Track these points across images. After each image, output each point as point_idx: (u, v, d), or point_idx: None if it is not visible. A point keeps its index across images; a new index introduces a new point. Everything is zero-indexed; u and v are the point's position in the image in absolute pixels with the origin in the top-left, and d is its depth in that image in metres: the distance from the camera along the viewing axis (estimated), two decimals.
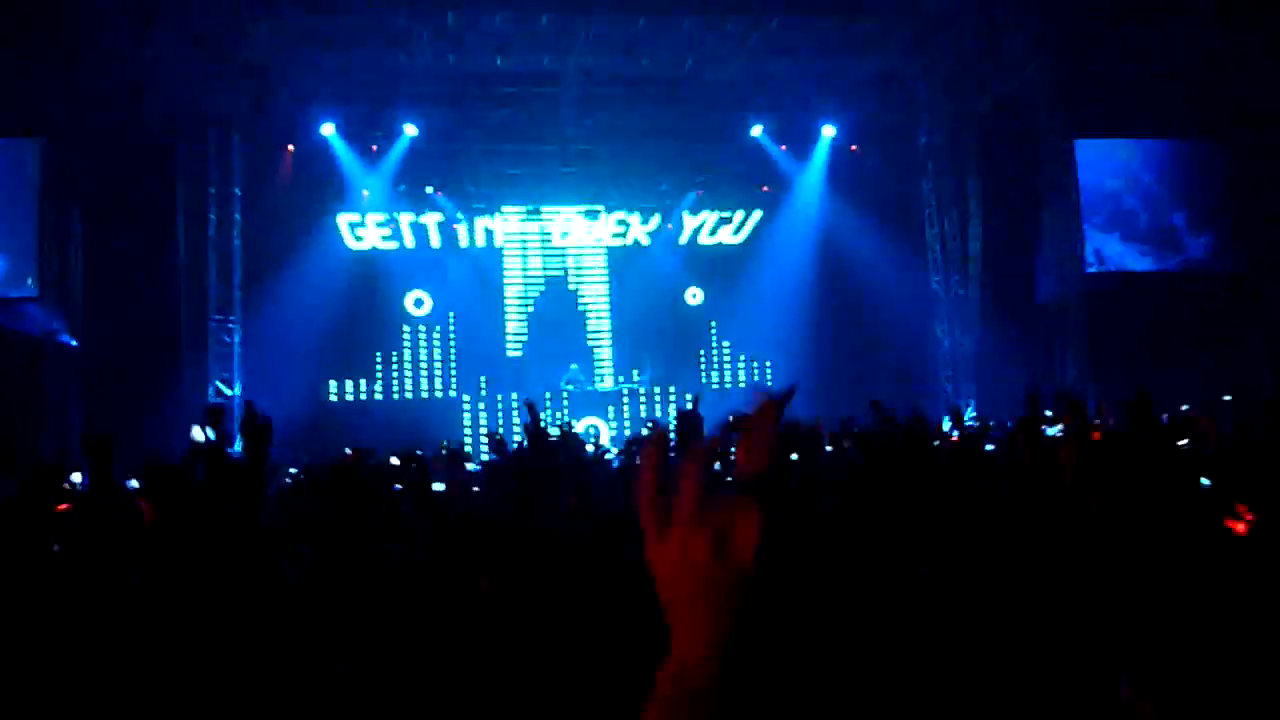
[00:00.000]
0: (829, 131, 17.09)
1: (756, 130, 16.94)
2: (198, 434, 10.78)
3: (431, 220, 17.30)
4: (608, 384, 17.76)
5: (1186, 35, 14.30)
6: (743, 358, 18.44)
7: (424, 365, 17.50)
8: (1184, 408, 9.79)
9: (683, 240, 18.31)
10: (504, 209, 17.68)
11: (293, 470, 9.27)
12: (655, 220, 18.11)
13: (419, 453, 8.47)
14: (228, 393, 15.25)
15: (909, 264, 17.36)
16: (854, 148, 17.38)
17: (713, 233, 18.36)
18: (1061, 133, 15.80)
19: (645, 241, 18.20)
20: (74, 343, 14.24)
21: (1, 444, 12.48)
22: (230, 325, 15.48)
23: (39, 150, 14.09)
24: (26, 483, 4.96)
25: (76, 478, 8.28)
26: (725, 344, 18.41)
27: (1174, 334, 14.84)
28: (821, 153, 17.35)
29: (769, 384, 17.99)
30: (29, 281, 14.06)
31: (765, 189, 18.02)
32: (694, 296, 18.42)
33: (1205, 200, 16.18)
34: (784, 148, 17.34)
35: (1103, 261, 15.84)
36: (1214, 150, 16.24)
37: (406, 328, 17.44)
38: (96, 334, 14.30)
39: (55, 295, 14.15)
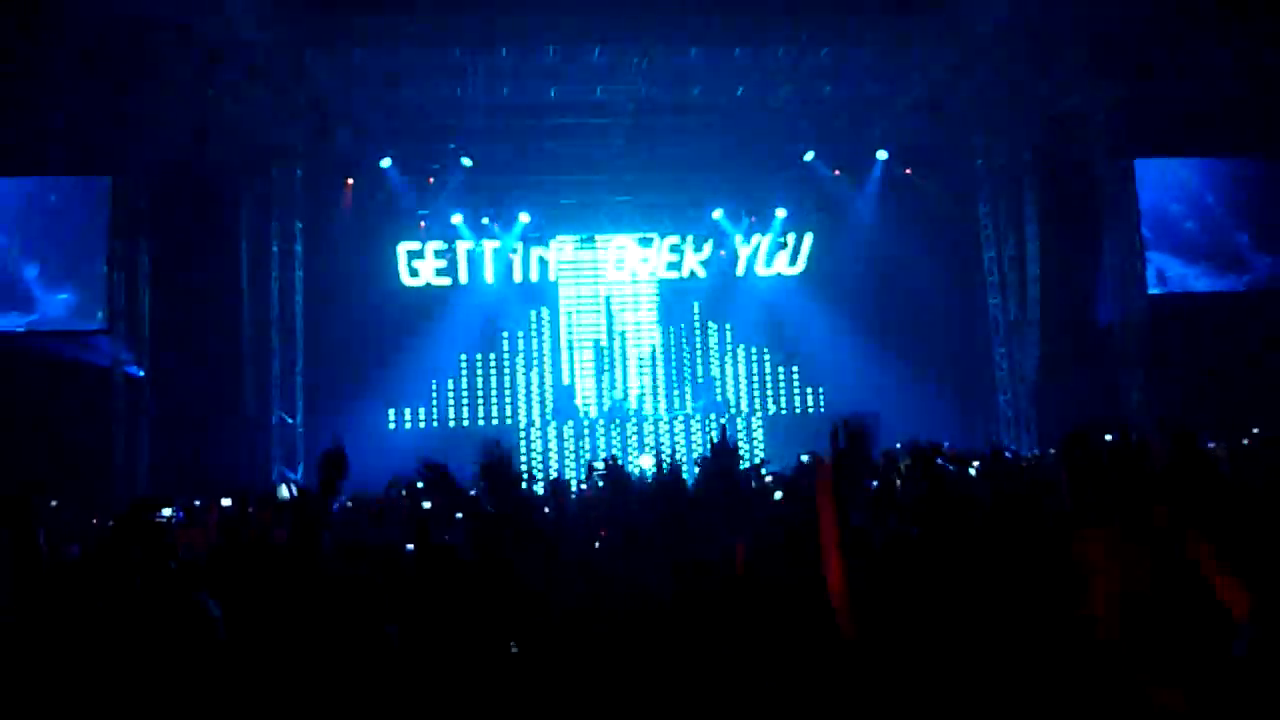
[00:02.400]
0: (882, 155, 17.02)
1: (809, 156, 16.93)
2: (284, 491, 11.04)
3: (488, 248, 17.50)
4: (660, 411, 17.79)
5: (1246, 52, 14.06)
6: (798, 383, 18.31)
7: (480, 394, 17.66)
8: (1255, 430, 9.59)
9: (739, 271, 18.27)
10: (558, 238, 17.84)
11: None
12: (708, 247, 18.12)
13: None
14: (289, 420, 15.55)
15: (966, 287, 17.23)
16: (908, 171, 17.28)
17: (769, 263, 18.28)
18: (1120, 153, 15.61)
19: (701, 273, 18.22)
20: (141, 373, 14.62)
21: (73, 472, 12.82)
22: (293, 355, 15.80)
23: (109, 187, 14.54)
24: (125, 516, 5.09)
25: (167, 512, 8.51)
26: (781, 370, 18.30)
27: (1239, 355, 14.51)
28: (875, 177, 17.27)
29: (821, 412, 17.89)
30: (98, 315, 14.48)
31: (818, 213, 17.92)
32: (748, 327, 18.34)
33: (1269, 219, 15.86)
34: (837, 173, 17.29)
35: (1165, 282, 15.58)
36: (1277, 169, 15.93)
37: (463, 356, 17.62)
38: (163, 364, 14.67)
39: (124, 327, 14.56)
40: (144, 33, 13.05)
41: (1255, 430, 9.53)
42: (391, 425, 17.15)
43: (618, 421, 17.03)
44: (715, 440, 4.50)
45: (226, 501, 8.98)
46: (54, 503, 9.86)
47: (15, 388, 13.46)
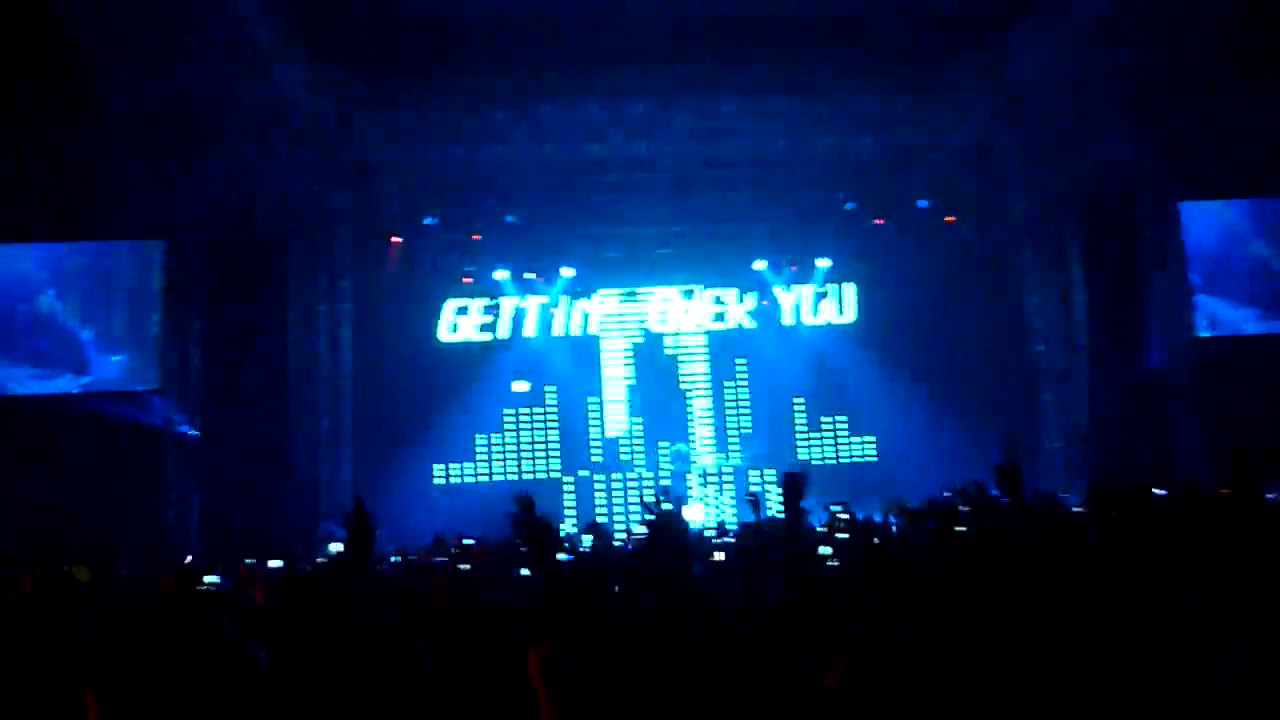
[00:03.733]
0: (923, 204, 17.01)
1: (849, 206, 16.96)
2: (335, 547, 11.14)
3: (534, 303, 17.65)
4: (708, 461, 17.73)
5: None
6: (845, 433, 18.19)
7: (525, 448, 17.71)
8: None
9: (786, 321, 18.24)
10: (600, 291, 17.95)
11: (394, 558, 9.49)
12: (751, 299, 18.15)
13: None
14: (338, 477, 15.69)
15: (1012, 334, 17.07)
16: (950, 219, 17.24)
17: (814, 312, 18.26)
18: (1164, 196, 15.48)
19: (749, 324, 18.21)
20: (194, 433, 14.82)
21: (126, 532, 12.99)
22: (340, 412, 15.98)
23: (161, 250, 14.86)
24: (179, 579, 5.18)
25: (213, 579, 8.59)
26: (824, 420, 18.19)
27: None
28: (917, 225, 17.24)
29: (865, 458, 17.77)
30: (152, 376, 14.73)
31: (860, 262, 17.91)
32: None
33: None
34: (879, 221, 17.29)
35: (1215, 326, 15.35)
36: None
37: (508, 411, 17.71)
38: (215, 424, 14.87)
39: (176, 388, 14.79)
40: (194, 101, 13.42)
41: None
42: (439, 480, 17.23)
43: (671, 470, 17.03)
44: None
45: (275, 563, 9.05)
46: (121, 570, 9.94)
47: (70, 449, 13.69)
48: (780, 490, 4.42)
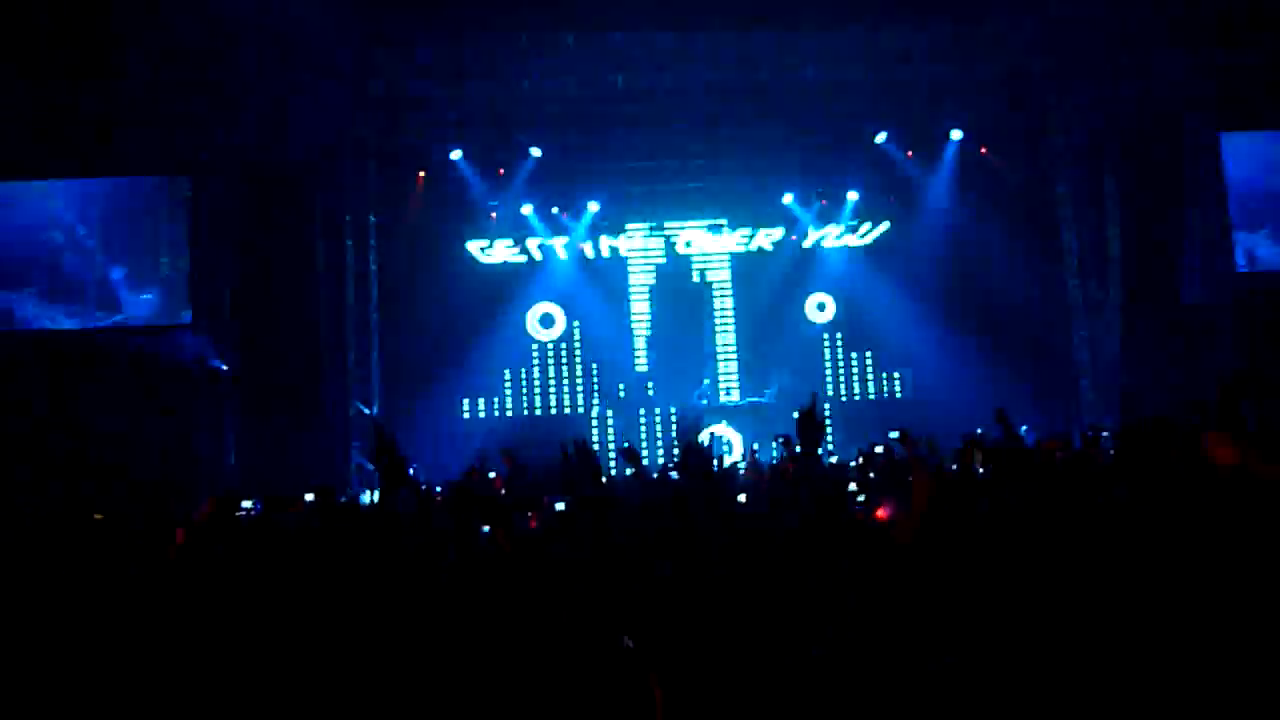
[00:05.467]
0: (956, 135, 16.69)
1: (881, 137, 16.67)
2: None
3: (558, 242, 17.56)
4: (734, 397, 17.70)
5: None
6: (872, 368, 18.09)
7: (553, 381, 17.75)
8: None
9: (807, 244, 18.04)
10: (627, 227, 17.81)
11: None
12: (780, 233, 17.93)
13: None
14: (366, 411, 15.82)
15: (1045, 268, 16.81)
16: (983, 150, 16.91)
17: (839, 238, 18.03)
18: (1206, 126, 15.09)
19: (768, 247, 18.01)
20: (225, 368, 14.97)
21: (159, 467, 13.21)
22: (368, 347, 16.08)
23: (188, 186, 14.87)
24: (213, 510, 5.27)
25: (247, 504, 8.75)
26: (854, 356, 18.09)
27: None
28: (950, 158, 16.94)
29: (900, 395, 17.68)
30: (183, 313, 14.84)
31: (892, 199, 17.61)
32: (820, 308, 18.12)
33: None
34: (910, 154, 17.00)
35: (1254, 263, 15.03)
36: None
37: (535, 345, 17.73)
38: (245, 359, 15.01)
39: (207, 323, 14.91)
40: (217, 34, 13.34)
41: None
42: (466, 414, 17.33)
43: (706, 404, 17.01)
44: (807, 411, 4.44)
45: (309, 497, 9.17)
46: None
47: (102, 385, 13.87)
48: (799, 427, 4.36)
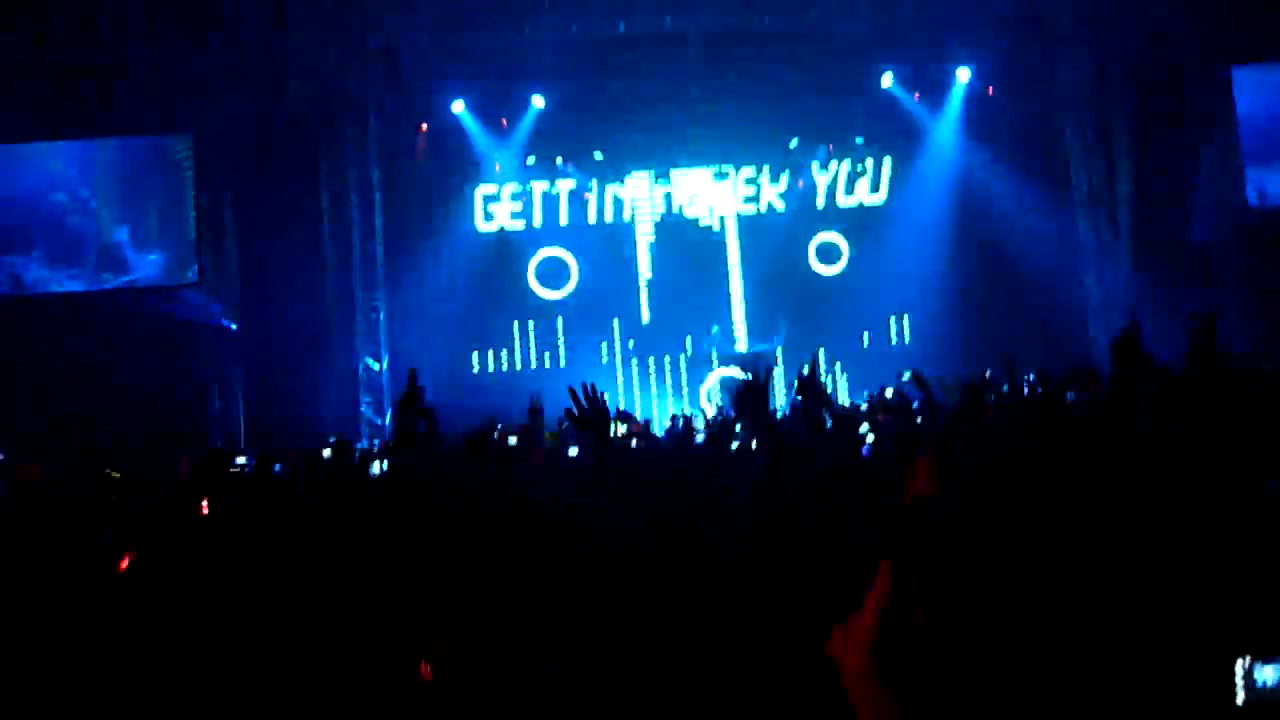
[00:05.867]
0: (963, 75, 16.50)
1: (887, 80, 16.48)
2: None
3: (564, 188, 17.46)
4: (741, 348, 17.67)
5: None
6: (883, 313, 18.02)
7: (561, 336, 17.72)
8: None
9: (819, 203, 17.89)
10: (632, 174, 17.67)
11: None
12: (785, 179, 17.80)
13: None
14: (375, 367, 15.84)
15: (1054, 209, 16.66)
16: (990, 90, 16.72)
17: (849, 190, 17.86)
18: (1216, 60, 14.89)
19: (779, 206, 17.91)
20: (233, 326, 14.98)
21: (170, 425, 13.27)
22: (375, 302, 16.05)
23: (189, 144, 14.79)
24: (199, 465, 5.30)
25: (241, 460, 8.76)
26: (864, 302, 18.02)
27: None
28: (956, 98, 16.76)
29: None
30: (189, 272, 14.82)
31: (898, 138, 17.43)
32: (827, 255, 18.00)
33: None
34: (917, 96, 16.82)
35: (1264, 198, 14.91)
36: None
37: (543, 297, 17.69)
38: (253, 317, 15.02)
39: (213, 282, 14.90)
40: None
41: None
42: (475, 369, 17.34)
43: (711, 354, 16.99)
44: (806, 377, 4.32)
45: (326, 453, 9.19)
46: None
47: (112, 346, 13.90)
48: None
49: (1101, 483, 3.47)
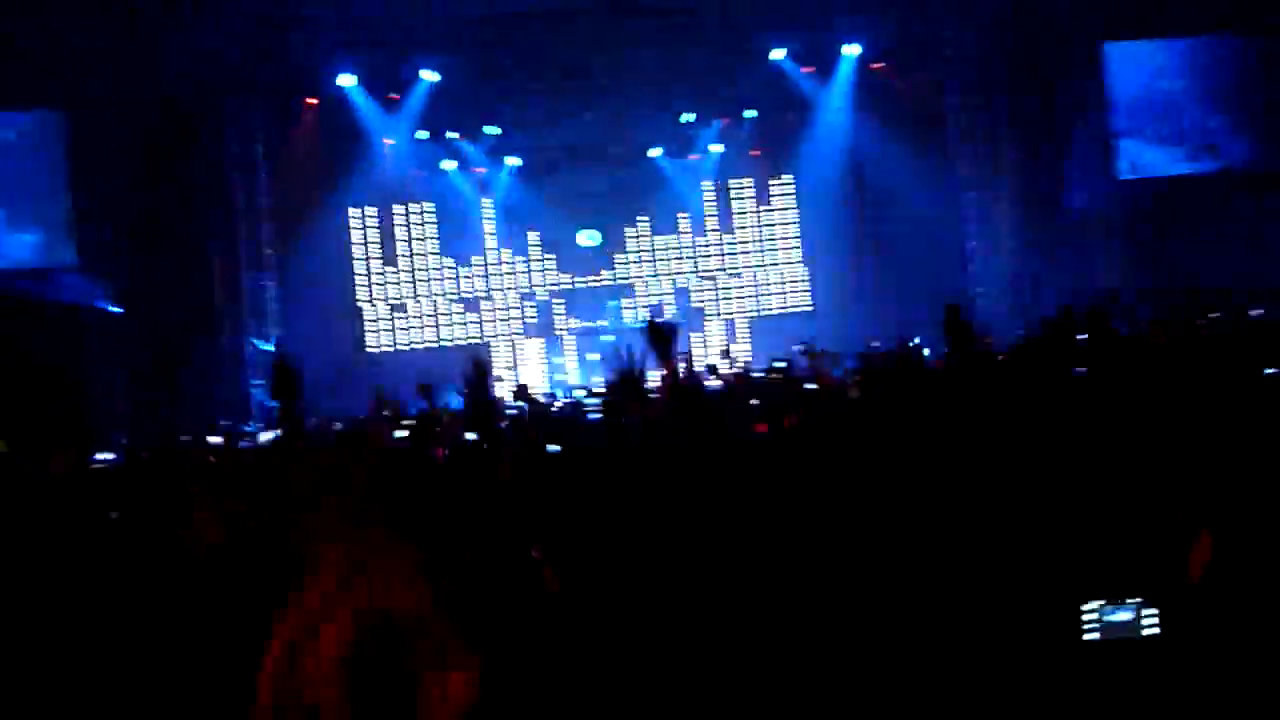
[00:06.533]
0: (852, 51, 16.77)
1: (778, 54, 16.66)
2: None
3: (450, 167, 17.34)
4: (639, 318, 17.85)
5: None
6: (777, 283, 18.37)
7: (457, 311, 17.62)
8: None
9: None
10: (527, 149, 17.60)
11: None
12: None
13: None
14: (264, 347, 15.52)
15: (939, 181, 17.08)
16: (878, 65, 17.06)
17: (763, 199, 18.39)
18: (1089, 37, 15.41)
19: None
20: (118, 310, 14.51)
21: (44, 413, 12.79)
22: (263, 281, 15.71)
23: (64, 121, 14.25)
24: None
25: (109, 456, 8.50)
26: (757, 272, 18.35)
27: (1213, 238, 14.53)
28: (845, 73, 17.03)
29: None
30: (68, 254, 14.31)
31: (788, 112, 17.72)
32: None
33: (1241, 100, 15.71)
34: (807, 70, 17.06)
35: (1136, 169, 15.51)
36: (1248, 47, 15.70)
37: (436, 272, 17.54)
38: (136, 300, 14.57)
39: (94, 264, 14.40)
40: None
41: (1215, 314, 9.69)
42: (369, 347, 17.13)
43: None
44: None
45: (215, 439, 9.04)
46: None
47: None
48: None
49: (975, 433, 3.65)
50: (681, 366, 4.22)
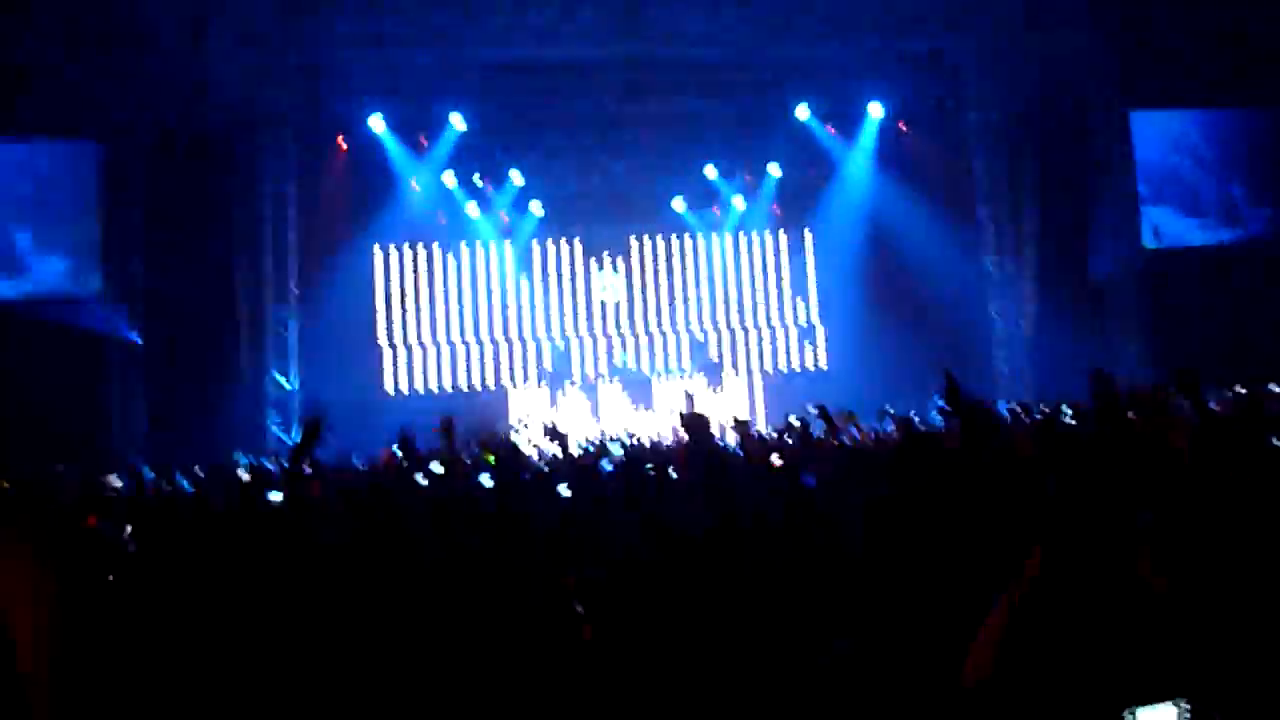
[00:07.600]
0: (876, 111, 16.89)
1: (802, 112, 16.79)
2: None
3: (474, 211, 17.52)
4: (659, 368, 17.86)
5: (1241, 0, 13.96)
6: (794, 341, 18.37)
7: (477, 357, 17.66)
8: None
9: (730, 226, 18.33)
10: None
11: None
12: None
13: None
14: (286, 386, 15.55)
15: (961, 244, 17.08)
16: (902, 126, 17.16)
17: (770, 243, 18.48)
18: (1115, 105, 15.50)
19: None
20: (138, 340, 14.60)
21: (70, 439, 12.83)
22: (287, 318, 15.78)
23: (99, 152, 14.45)
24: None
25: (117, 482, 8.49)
26: (775, 329, 18.36)
27: (1236, 311, 14.50)
28: (869, 133, 17.14)
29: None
30: (93, 282, 14.44)
31: (812, 170, 17.82)
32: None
33: (1265, 171, 15.77)
34: (831, 129, 17.17)
35: (1160, 237, 15.53)
36: (1273, 119, 15.80)
37: (459, 319, 17.62)
38: (159, 331, 14.66)
39: (119, 293, 14.52)
40: None
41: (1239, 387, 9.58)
42: (390, 391, 17.16)
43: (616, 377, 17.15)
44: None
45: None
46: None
47: (10, 356, 13.43)
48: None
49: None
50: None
